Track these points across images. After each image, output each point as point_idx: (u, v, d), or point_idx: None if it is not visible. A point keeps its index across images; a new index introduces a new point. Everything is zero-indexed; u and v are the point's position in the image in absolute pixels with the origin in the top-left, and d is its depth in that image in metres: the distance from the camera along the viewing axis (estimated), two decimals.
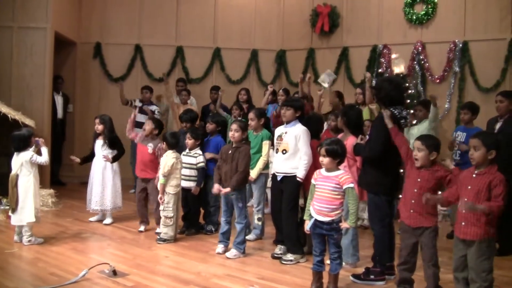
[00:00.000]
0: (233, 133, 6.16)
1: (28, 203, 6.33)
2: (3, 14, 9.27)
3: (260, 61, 11.61)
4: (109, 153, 7.58)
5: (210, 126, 7.31)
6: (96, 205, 7.56)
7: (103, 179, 7.55)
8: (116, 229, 7.36)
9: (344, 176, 4.78)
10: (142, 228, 7.26)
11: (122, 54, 11.25)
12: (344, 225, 4.77)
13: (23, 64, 9.31)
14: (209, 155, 7.10)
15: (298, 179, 5.83)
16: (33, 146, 6.58)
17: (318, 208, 4.82)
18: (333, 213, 4.77)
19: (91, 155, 7.74)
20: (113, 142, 7.61)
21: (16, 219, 6.37)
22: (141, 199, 7.31)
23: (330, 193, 4.78)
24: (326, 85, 8.82)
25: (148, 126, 7.32)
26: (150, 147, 7.25)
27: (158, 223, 7.02)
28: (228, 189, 6.05)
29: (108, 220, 7.63)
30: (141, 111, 9.80)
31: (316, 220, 4.83)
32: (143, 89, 10.16)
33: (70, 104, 11.11)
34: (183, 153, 7.07)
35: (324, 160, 4.82)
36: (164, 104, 10.54)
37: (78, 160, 7.74)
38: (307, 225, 4.90)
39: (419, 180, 4.64)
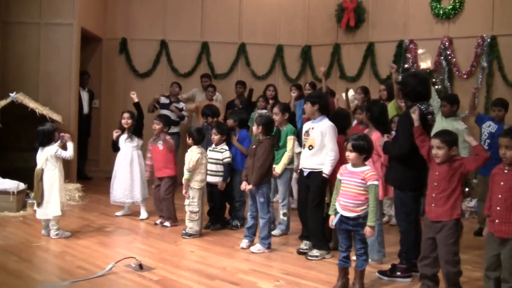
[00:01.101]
0: (255, 127, 6.23)
1: (54, 197, 6.41)
2: (30, 10, 9.38)
3: (285, 57, 11.58)
4: (134, 147, 7.65)
5: (229, 122, 7.36)
6: (126, 197, 7.63)
7: (131, 172, 7.62)
8: (141, 224, 7.42)
9: (370, 172, 4.75)
10: (158, 221, 7.38)
11: (148, 49, 11.30)
12: (368, 233, 4.73)
13: (50, 60, 9.42)
14: (237, 143, 7.14)
15: (324, 175, 5.82)
16: (58, 141, 6.64)
17: (343, 204, 4.80)
18: (359, 208, 4.74)
19: (117, 147, 7.79)
20: (138, 131, 7.72)
21: (41, 213, 6.45)
22: (158, 196, 7.38)
23: (356, 188, 4.75)
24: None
25: (158, 126, 7.40)
26: (160, 144, 7.35)
27: (165, 218, 7.26)
28: (250, 186, 6.09)
29: (144, 215, 7.69)
30: (165, 106, 9.88)
31: (341, 215, 4.82)
32: (173, 83, 10.24)
33: (96, 99, 11.21)
34: (209, 148, 7.10)
35: (350, 155, 4.80)
36: (193, 99, 10.64)
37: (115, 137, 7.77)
38: (333, 221, 4.88)
39: (437, 173, 4.60)
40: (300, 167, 6.21)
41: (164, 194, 7.24)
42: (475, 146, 4.56)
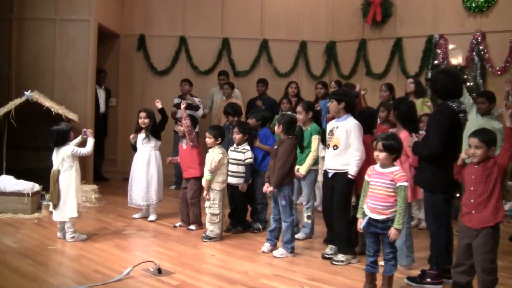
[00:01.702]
0: (277, 126, 6.22)
1: (70, 198, 6.43)
2: (46, 6, 9.46)
3: (309, 53, 11.54)
4: (151, 147, 7.67)
5: (250, 121, 7.34)
6: (142, 200, 7.65)
7: (147, 173, 7.64)
8: (160, 226, 7.41)
9: (399, 173, 4.70)
10: (177, 224, 7.39)
11: (166, 46, 11.33)
12: (392, 235, 4.68)
13: (66, 57, 9.48)
14: (260, 145, 7.13)
15: (349, 176, 5.78)
16: (79, 137, 6.74)
17: (372, 206, 4.76)
18: (388, 211, 4.69)
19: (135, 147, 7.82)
20: (154, 130, 7.74)
21: (58, 215, 6.48)
22: (184, 199, 7.38)
23: (385, 190, 4.70)
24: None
25: (182, 127, 7.35)
26: (184, 143, 7.36)
27: (192, 222, 7.26)
28: (271, 189, 6.07)
29: (152, 217, 7.70)
30: (179, 105, 9.89)
31: (370, 218, 4.77)
32: (182, 81, 10.28)
33: (113, 98, 11.27)
34: (231, 148, 7.09)
35: (380, 155, 4.75)
36: (211, 97, 10.65)
37: (133, 142, 7.81)
38: (361, 224, 4.83)
39: (473, 177, 4.53)
40: (324, 168, 6.17)
41: (190, 199, 7.24)
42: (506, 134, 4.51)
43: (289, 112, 8.51)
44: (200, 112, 10.15)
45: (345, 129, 5.84)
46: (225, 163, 6.81)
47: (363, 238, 5.36)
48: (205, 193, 6.72)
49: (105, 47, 11.08)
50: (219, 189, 6.71)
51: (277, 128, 6.22)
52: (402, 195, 4.65)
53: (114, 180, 10.85)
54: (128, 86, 11.38)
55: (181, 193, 7.44)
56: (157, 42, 11.36)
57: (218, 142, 6.83)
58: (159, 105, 7.79)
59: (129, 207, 7.84)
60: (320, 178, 7.11)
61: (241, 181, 6.99)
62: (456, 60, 8.84)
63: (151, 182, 7.66)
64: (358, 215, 4.92)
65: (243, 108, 9.47)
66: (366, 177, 4.92)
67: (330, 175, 5.98)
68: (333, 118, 6.20)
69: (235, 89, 10.28)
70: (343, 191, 5.85)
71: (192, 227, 7.23)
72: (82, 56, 9.48)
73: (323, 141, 6.65)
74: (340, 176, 5.86)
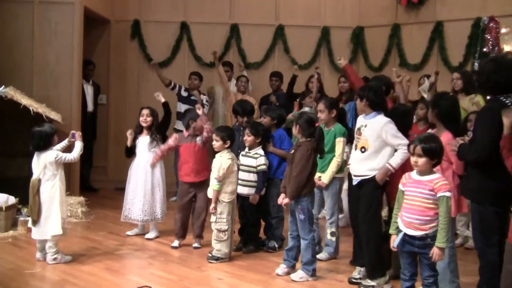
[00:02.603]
0: (293, 127, 6.23)
1: (54, 212, 6.40)
2: None
3: (333, 41, 11.52)
4: (155, 152, 7.65)
5: (265, 120, 7.33)
6: (145, 214, 7.60)
7: (152, 182, 7.63)
8: (158, 245, 7.41)
9: (440, 181, 4.66)
10: (176, 243, 7.32)
11: (165, 34, 11.36)
12: (435, 256, 4.63)
13: (47, 46, 9.46)
14: (274, 149, 7.13)
15: (388, 166, 5.73)
16: (65, 140, 6.73)
17: (408, 220, 4.72)
18: (427, 226, 4.66)
19: (133, 150, 7.79)
20: (161, 133, 7.78)
21: (38, 233, 6.45)
22: (186, 210, 7.36)
23: (423, 201, 4.67)
24: None
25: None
26: (199, 140, 7.30)
27: (198, 236, 7.26)
28: (287, 200, 6.05)
29: (152, 234, 7.69)
30: (186, 100, 9.92)
31: (405, 234, 4.73)
32: (192, 75, 10.27)
33: (103, 94, 11.29)
34: (242, 153, 7.10)
35: (420, 160, 4.70)
36: (212, 95, 10.66)
37: (129, 141, 7.78)
38: (394, 241, 4.80)
39: None
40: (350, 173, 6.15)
41: (201, 208, 7.25)
42: None
43: (307, 109, 8.49)
44: (205, 111, 10.10)
45: (375, 129, 5.81)
46: (234, 171, 6.79)
47: (397, 258, 5.29)
48: (212, 205, 6.69)
49: (93, 35, 11.10)
50: (228, 200, 6.69)
51: (294, 129, 6.20)
52: (444, 207, 4.60)
53: (105, 190, 10.86)
54: (120, 80, 11.39)
55: (183, 206, 7.38)
56: (155, 29, 11.38)
57: (226, 146, 6.79)
58: (161, 98, 7.87)
59: (123, 222, 7.82)
60: (346, 187, 7.08)
61: (252, 191, 6.97)
62: (510, 46, 8.77)
63: (156, 193, 7.64)
64: (391, 231, 4.90)
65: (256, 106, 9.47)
66: (400, 186, 4.89)
67: (355, 182, 5.96)
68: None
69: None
70: (371, 201, 5.81)
71: (197, 244, 7.22)
72: (66, 46, 9.45)
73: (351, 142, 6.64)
74: (368, 183, 5.83)
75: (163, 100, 7.87)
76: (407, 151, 5.43)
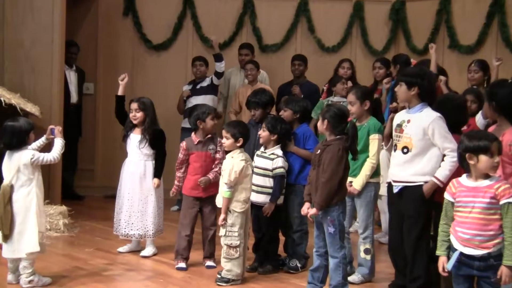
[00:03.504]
0: (320, 121, 6.13)
1: (29, 225, 6.35)
2: None
3: (367, 19, 11.49)
4: (148, 155, 7.61)
5: (285, 114, 7.29)
6: (134, 228, 7.59)
7: (142, 190, 7.60)
8: (157, 264, 7.43)
9: (502, 185, 4.60)
10: (181, 265, 7.27)
11: (165, 10, 11.38)
12: (504, 277, 4.56)
13: (22, 26, 9.42)
14: (296, 149, 7.11)
15: (435, 180, 5.69)
16: (43, 137, 6.66)
17: (465, 237, 4.67)
18: (491, 242, 4.60)
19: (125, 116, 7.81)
20: (156, 138, 7.65)
21: (10, 250, 6.36)
22: (189, 231, 7.32)
23: (484, 212, 4.61)
24: None
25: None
26: (212, 150, 7.27)
27: (209, 256, 7.25)
28: (314, 211, 5.96)
29: (149, 250, 7.68)
30: (194, 92, 9.94)
31: (461, 254, 4.69)
32: (196, 60, 10.24)
33: (89, 83, 11.32)
34: (257, 153, 7.10)
35: (481, 162, 4.64)
36: (226, 85, 10.69)
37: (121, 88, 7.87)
38: (448, 264, 4.76)
39: None
40: (388, 180, 6.13)
41: (212, 226, 7.29)
42: None
43: (345, 99, 8.45)
44: (221, 65, 10.17)
45: (421, 125, 5.79)
46: (249, 174, 6.75)
47: (448, 282, 5.26)
48: (221, 217, 6.65)
49: (77, 11, 11.13)
50: (240, 210, 6.65)
51: (321, 125, 6.13)
52: (511, 216, 4.55)
53: (92, 198, 10.88)
54: (111, 66, 11.38)
55: (187, 220, 7.33)
56: (152, 4, 11.40)
57: (239, 145, 6.74)
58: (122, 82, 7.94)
59: (113, 236, 7.85)
60: (383, 194, 7.06)
61: (267, 199, 6.96)
62: None
63: (147, 202, 7.61)
64: (439, 252, 4.86)
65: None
66: (447, 196, 4.84)
67: (396, 190, 5.94)
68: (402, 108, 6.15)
69: (261, 71, 10.24)
70: (417, 213, 5.80)
71: (211, 262, 7.24)
72: (45, 25, 9.41)
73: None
74: (413, 191, 5.81)
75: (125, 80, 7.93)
76: (456, 158, 5.36)
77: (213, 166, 7.20)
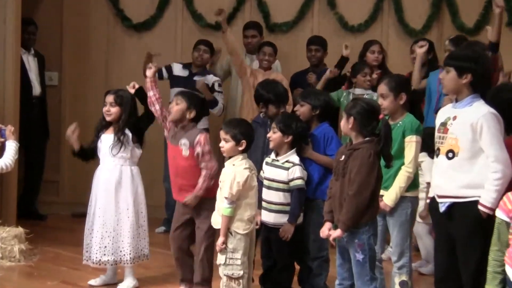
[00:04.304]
0: (344, 119, 6.03)
1: None
2: None
3: None
4: (125, 159, 7.59)
5: (301, 109, 7.27)
6: (106, 253, 7.55)
7: (117, 205, 7.57)
8: None
9: None
10: None
11: None
12: None
13: None
14: (314, 154, 7.07)
15: (481, 208, 5.63)
16: None
17: None
18: None
19: (91, 151, 7.80)
20: (137, 131, 7.69)
21: None
22: (180, 241, 7.33)
23: None
24: None
25: (178, 105, 7.24)
26: (184, 146, 7.21)
27: (200, 283, 7.17)
28: (338, 233, 5.90)
29: (128, 283, 7.66)
30: (185, 82, 9.92)
31: None
32: (200, 44, 10.24)
33: (52, 72, 11.35)
34: (266, 160, 7.10)
35: None
36: (226, 72, 10.72)
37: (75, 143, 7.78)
38: None
39: None
40: (431, 194, 6.10)
41: (203, 240, 7.22)
42: None
43: (370, 92, 8.42)
44: (217, 109, 10.20)
45: (470, 123, 5.72)
46: (254, 186, 6.70)
47: None
48: (220, 240, 6.61)
49: None
50: (244, 232, 6.61)
51: (346, 124, 6.05)
52: None
53: (57, 218, 10.93)
54: (80, 51, 11.46)
55: (173, 235, 7.40)
56: None
57: (241, 149, 6.68)
58: (132, 87, 7.80)
59: (84, 265, 7.81)
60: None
61: (283, 219, 6.95)
62: None
63: (122, 219, 7.58)
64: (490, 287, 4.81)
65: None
66: (501, 215, 4.85)
67: (442, 208, 5.88)
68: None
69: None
70: (471, 238, 5.72)
71: None
72: None
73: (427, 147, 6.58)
74: (464, 209, 5.74)
75: (132, 90, 7.77)
76: (502, 174, 5.48)
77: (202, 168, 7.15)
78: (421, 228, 7.63)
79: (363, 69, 9.17)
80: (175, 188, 7.34)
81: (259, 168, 7.02)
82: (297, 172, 6.90)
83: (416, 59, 9.13)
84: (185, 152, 7.17)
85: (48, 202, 11.13)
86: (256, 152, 7.15)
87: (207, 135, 7.22)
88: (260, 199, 6.98)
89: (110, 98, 7.60)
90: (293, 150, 6.98)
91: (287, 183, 6.91)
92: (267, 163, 7.05)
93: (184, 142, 7.17)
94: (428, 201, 6.30)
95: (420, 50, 9.11)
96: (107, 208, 7.54)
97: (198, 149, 7.09)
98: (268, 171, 6.99)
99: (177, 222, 7.35)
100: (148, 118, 7.72)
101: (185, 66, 10.19)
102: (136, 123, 7.62)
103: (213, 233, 7.03)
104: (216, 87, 10.05)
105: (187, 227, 7.31)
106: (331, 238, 5.98)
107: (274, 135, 6.95)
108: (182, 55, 10.41)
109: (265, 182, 6.94)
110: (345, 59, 10.05)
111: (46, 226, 10.31)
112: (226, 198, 6.55)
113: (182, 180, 7.26)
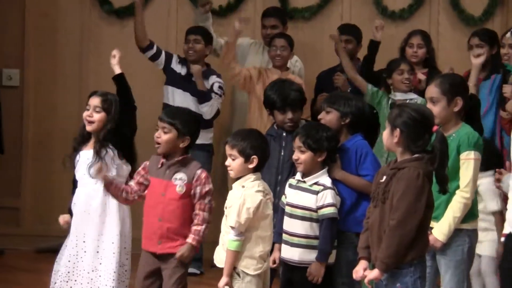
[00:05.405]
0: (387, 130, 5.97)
1: None
2: None
3: None
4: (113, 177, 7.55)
5: (327, 118, 7.26)
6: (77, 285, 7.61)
7: (100, 238, 7.60)
8: None
9: None
10: None
11: None
12: None
13: None
14: (344, 175, 7.11)
15: None
16: None
17: None
18: None
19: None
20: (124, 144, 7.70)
21: None
22: None
23: None
24: None
25: (166, 134, 6.98)
26: (180, 181, 7.10)
27: None
28: (375, 274, 5.88)
29: None
30: (182, 82, 10.05)
31: None
32: (189, 34, 10.28)
33: (12, 69, 11.44)
34: (290, 181, 7.09)
35: None
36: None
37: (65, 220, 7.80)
38: None
39: None
40: (506, 231, 6.11)
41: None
42: None
43: (412, 96, 8.50)
44: (206, 106, 10.15)
45: None
46: (269, 215, 6.74)
47: None
48: (223, 281, 6.66)
49: None
50: (255, 272, 6.65)
51: (389, 136, 6.03)
52: None
53: (16, 253, 10.97)
54: (47, 43, 11.54)
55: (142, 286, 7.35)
56: None
57: (252, 166, 6.73)
58: (116, 66, 7.95)
59: None
60: (483, 250, 7.10)
61: (310, 255, 6.96)
62: None
63: (105, 257, 7.60)
64: None
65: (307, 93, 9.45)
66: None
67: None
68: None
69: (295, 55, 10.38)
70: None
71: None
72: None
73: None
74: None
75: (118, 71, 7.89)
76: None
77: (194, 214, 6.99)
78: (485, 264, 7.63)
79: (399, 66, 9.17)
80: (153, 235, 7.08)
81: (273, 191, 7.04)
82: (328, 197, 6.86)
83: (472, 71, 8.93)
84: (180, 189, 7.06)
85: (5, 234, 11.14)
86: (270, 171, 7.21)
87: (209, 176, 7.11)
88: (279, 231, 7.00)
89: (96, 101, 7.54)
90: (325, 170, 6.94)
91: (315, 210, 6.88)
92: (291, 186, 6.99)
93: (180, 176, 7.02)
94: (502, 239, 6.22)
95: (476, 61, 8.87)
96: (91, 241, 7.54)
97: (197, 189, 6.97)
98: (291, 196, 6.94)
99: (141, 274, 7.19)
100: (130, 124, 7.83)
101: (182, 61, 10.26)
102: (122, 134, 7.62)
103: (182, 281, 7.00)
104: (216, 88, 10.09)
105: (159, 277, 7.24)
106: (366, 280, 5.96)
107: (303, 156, 6.88)
108: (176, 47, 10.44)
109: (287, 209, 6.90)
110: (375, 43, 9.96)
111: (3, 265, 10.35)
112: (232, 227, 6.55)
113: (168, 224, 7.05)
